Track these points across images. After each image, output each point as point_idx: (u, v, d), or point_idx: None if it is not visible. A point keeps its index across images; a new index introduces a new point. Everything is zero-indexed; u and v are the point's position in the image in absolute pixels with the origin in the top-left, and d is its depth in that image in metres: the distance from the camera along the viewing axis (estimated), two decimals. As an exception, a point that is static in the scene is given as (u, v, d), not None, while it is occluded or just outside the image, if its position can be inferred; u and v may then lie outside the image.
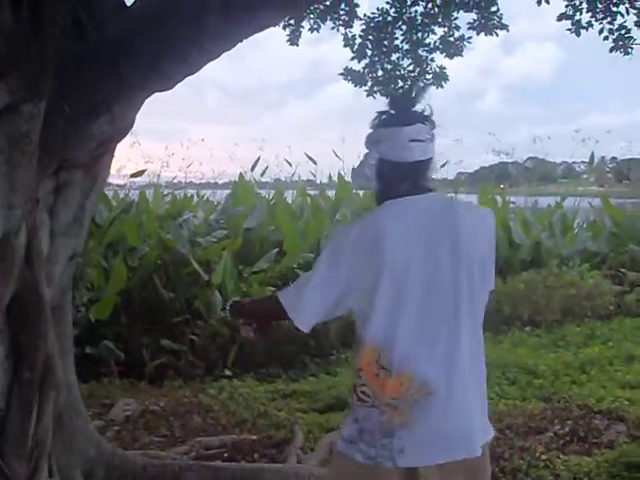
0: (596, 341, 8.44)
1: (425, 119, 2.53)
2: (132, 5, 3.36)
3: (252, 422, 5.88)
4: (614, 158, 27.32)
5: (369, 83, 6.88)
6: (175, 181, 13.79)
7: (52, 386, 3.51)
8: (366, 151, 2.61)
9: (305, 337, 7.99)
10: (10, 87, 2.93)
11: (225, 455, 5.14)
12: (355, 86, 6.87)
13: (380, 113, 2.58)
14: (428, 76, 6.83)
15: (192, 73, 3.17)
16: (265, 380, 7.35)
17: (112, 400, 6.49)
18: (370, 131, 2.59)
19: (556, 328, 9.06)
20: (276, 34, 6.64)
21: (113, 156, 3.85)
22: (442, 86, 6.79)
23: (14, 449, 3.30)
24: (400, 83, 6.86)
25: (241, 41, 2.99)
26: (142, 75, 3.13)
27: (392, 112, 2.56)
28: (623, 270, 11.15)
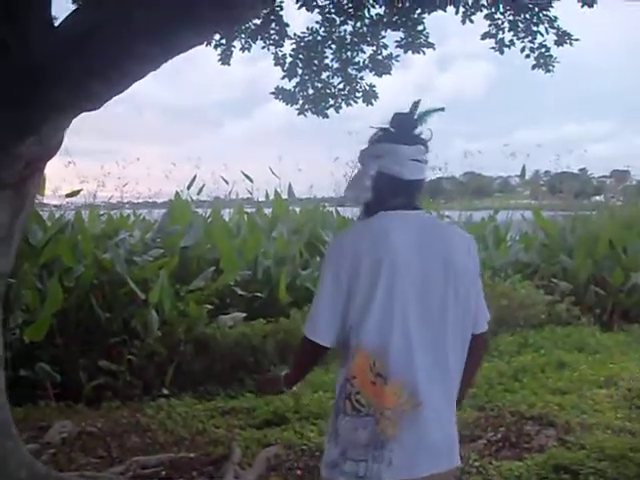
0: (529, 349, 8.69)
1: (424, 142, 2.64)
2: (59, 25, 3.39)
3: (190, 440, 5.88)
4: (547, 172, 27.95)
5: (300, 101, 7.01)
6: (112, 201, 13.67)
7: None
8: (360, 165, 2.67)
9: (243, 354, 8.03)
10: None
11: (163, 474, 5.14)
12: (286, 105, 6.99)
13: (381, 129, 2.66)
14: (358, 94, 7.00)
15: (119, 92, 3.22)
16: (203, 398, 7.34)
17: (48, 423, 6.39)
18: (370, 146, 2.66)
19: (490, 338, 9.25)
20: (213, 52, 6.72)
21: (43, 176, 3.87)
22: (372, 103, 6.96)
23: (-56, 472, 3.28)
24: (331, 101, 7.01)
25: (166, 61, 3.05)
26: (69, 95, 3.17)
27: (392, 130, 2.64)
28: (555, 280, 11.46)
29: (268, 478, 5.01)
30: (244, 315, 8.87)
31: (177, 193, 11.53)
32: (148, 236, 10.33)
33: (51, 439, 5.89)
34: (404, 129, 2.62)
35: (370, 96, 6.99)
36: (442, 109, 2.69)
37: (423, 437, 2.46)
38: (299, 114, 7.05)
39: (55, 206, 12.05)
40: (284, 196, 12.83)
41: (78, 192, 11.33)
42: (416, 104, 2.65)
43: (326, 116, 6.99)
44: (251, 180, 12.74)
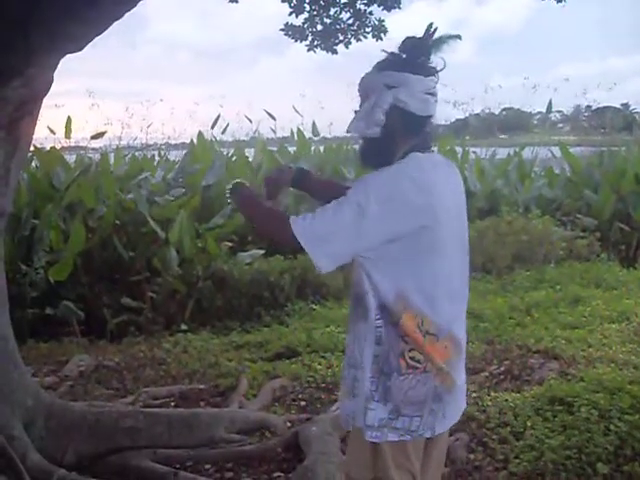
0: (544, 285, 8.67)
1: (437, 73, 2.41)
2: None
3: (202, 373, 6.07)
4: (589, 107, 27.43)
5: (309, 38, 6.97)
6: (138, 143, 13.84)
7: (-16, 339, 3.68)
8: (366, 94, 2.41)
9: (260, 290, 8.20)
10: None
11: (172, 404, 5.33)
12: (295, 41, 6.96)
13: (392, 54, 2.40)
14: (367, 29, 6.94)
15: (99, 33, 3.28)
16: (220, 333, 7.54)
17: (69, 357, 6.63)
18: (378, 73, 2.39)
19: (507, 274, 9.30)
20: None
21: (37, 117, 3.96)
22: (381, 38, 6.90)
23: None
24: (340, 37, 6.97)
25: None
26: (50, 38, 3.24)
27: (404, 56, 2.38)
28: (579, 216, 11.38)
29: (272, 408, 5.17)
30: (263, 252, 9.01)
31: (200, 132, 11.63)
32: (170, 176, 10.47)
33: (69, 372, 6.13)
34: (418, 57, 2.36)
35: (380, 31, 6.92)
36: (458, 36, 2.41)
37: (462, 385, 2.48)
38: (308, 50, 7.02)
39: (81, 148, 12.26)
40: (307, 134, 12.85)
41: (103, 134, 11.52)
42: (430, 29, 2.37)
43: (335, 52, 6.95)
44: (274, 118, 12.79)
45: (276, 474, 4.07)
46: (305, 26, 6.90)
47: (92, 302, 8.46)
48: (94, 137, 11.53)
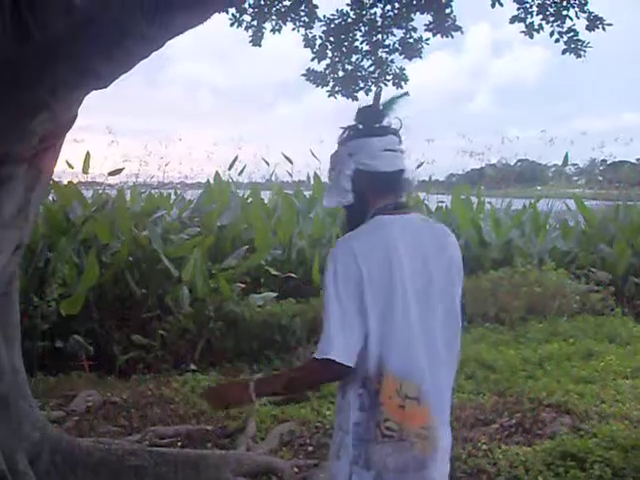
0: (558, 338, 8.61)
1: (395, 131, 2.51)
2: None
3: (209, 414, 6.02)
4: (604, 161, 27.43)
5: (331, 83, 7.06)
6: (154, 180, 13.94)
7: (-5, 371, 3.67)
8: (334, 169, 2.52)
9: (271, 333, 8.16)
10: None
11: (179, 444, 5.29)
12: (317, 86, 7.05)
13: (348, 127, 2.53)
14: (388, 77, 7.02)
15: (125, 72, 3.31)
16: (229, 374, 7.48)
17: (77, 392, 6.61)
18: (340, 146, 2.53)
19: (520, 325, 9.23)
20: (270, 35, 6.82)
21: (59, 151, 3.99)
22: (402, 86, 6.97)
23: (-45, 431, 3.45)
24: (361, 84, 7.05)
25: (169, 39, 3.15)
26: (77, 75, 3.27)
27: (360, 126, 2.51)
28: (593, 270, 11.31)
29: (279, 452, 5.11)
30: (275, 295, 8.99)
31: (217, 172, 11.71)
32: (185, 215, 10.51)
33: (76, 407, 6.11)
34: (371, 122, 2.50)
35: (400, 79, 7.00)
36: (406, 94, 2.55)
37: (447, 448, 2.46)
38: (329, 96, 7.10)
39: (98, 183, 12.34)
40: (323, 179, 12.89)
41: (120, 170, 11.58)
42: (378, 94, 2.57)
43: (356, 99, 7.02)
44: (291, 162, 12.86)
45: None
46: (327, 72, 7.00)
47: (102, 337, 8.43)
48: (112, 173, 11.60)
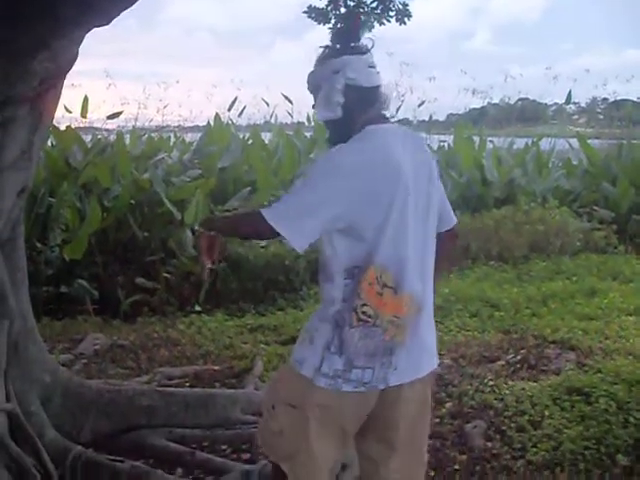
0: (561, 276, 8.62)
1: (369, 50, 2.64)
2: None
3: (217, 354, 6.06)
4: (605, 99, 27.12)
5: (332, 20, 6.92)
6: (153, 123, 13.80)
7: (5, 315, 3.67)
8: (315, 87, 2.64)
9: (275, 273, 8.17)
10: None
11: (187, 384, 5.31)
12: (318, 24, 6.91)
13: (326, 47, 2.65)
14: (391, 13, 6.88)
15: (126, 7, 3.24)
16: (234, 315, 7.51)
17: (83, 336, 6.63)
18: (320, 66, 2.63)
19: (523, 264, 9.24)
20: None
21: (60, 92, 3.92)
22: (405, 23, 6.82)
23: (-33, 374, 3.47)
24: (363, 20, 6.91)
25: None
26: (77, 11, 3.19)
27: (337, 46, 2.63)
28: (596, 208, 11.29)
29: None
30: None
31: (217, 115, 11.59)
32: (186, 157, 10.44)
33: (84, 350, 6.14)
34: (349, 42, 2.65)
35: (403, 15, 6.85)
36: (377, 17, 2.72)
37: (423, 340, 2.61)
38: (330, 33, 6.97)
39: (96, 128, 12.24)
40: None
41: (119, 114, 11.48)
42: (353, 15, 2.73)
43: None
44: (291, 102, 12.74)
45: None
46: (328, 9, 6.85)
47: (106, 281, 8.43)
48: (110, 117, 11.49)
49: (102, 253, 8.61)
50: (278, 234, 2.37)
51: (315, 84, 2.65)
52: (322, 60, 2.64)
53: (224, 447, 4.23)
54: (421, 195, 2.56)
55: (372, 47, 2.65)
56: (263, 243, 8.59)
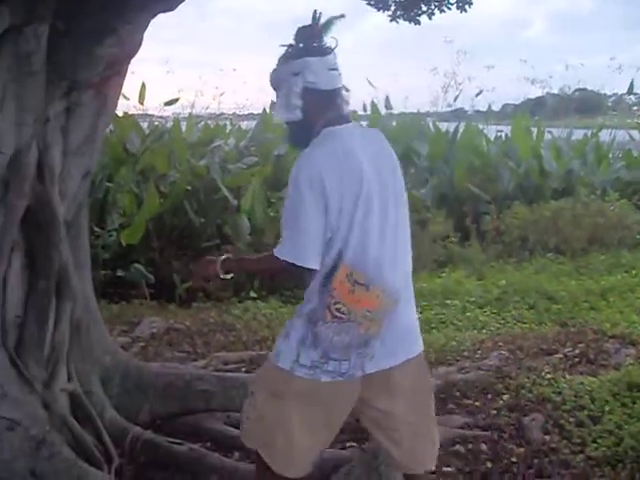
0: (620, 269, 8.47)
1: (333, 50, 2.65)
2: None
3: (272, 340, 6.06)
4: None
5: (392, 7, 6.85)
6: (210, 111, 13.90)
7: (68, 296, 3.71)
8: (277, 87, 2.68)
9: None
10: (13, 9, 3.06)
11: (243, 370, 5.34)
12: (378, 11, 6.85)
13: (289, 46, 2.67)
14: (452, 0, 6.78)
15: (193, -7, 3.26)
16: (289, 302, 7.53)
17: (140, 319, 6.72)
18: (282, 66, 2.66)
19: (581, 256, 9.09)
20: None
21: (124, 78, 3.97)
22: (465, 10, 6.72)
23: (32, 354, 3.52)
24: (423, 7, 6.82)
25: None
26: (144, -4, 3.22)
27: (300, 45, 2.64)
28: (656, 200, 11.04)
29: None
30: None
31: (272, 102, 11.59)
32: (242, 144, 10.49)
33: (141, 333, 6.22)
34: (312, 41, 2.63)
35: (464, 2, 6.75)
36: (342, 16, 2.71)
37: (400, 330, 2.69)
38: (391, 20, 6.85)
39: (155, 116, 12.38)
40: (381, 108, 12.72)
41: (176, 100, 11.62)
42: (315, 14, 2.63)
43: (418, 22, 6.77)
44: (347, 90, 12.67)
45: (349, 444, 4.05)
46: (388, -5, 6.78)
47: (162, 266, 8.53)
48: (168, 103, 11.64)
49: (158, 238, 8.71)
50: (298, 266, 2.51)
51: (275, 84, 2.69)
52: (283, 60, 2.66)
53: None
54: (387, 188, 2.62)
55: (336, 47, 2.65)
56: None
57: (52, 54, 3.30)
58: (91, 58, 3.48)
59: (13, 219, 3.37)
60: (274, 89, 2.72)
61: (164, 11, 3.40)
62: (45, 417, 3.47)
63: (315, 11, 2.64)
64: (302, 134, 2.68)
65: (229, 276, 2.77)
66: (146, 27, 3.62)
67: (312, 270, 2.54)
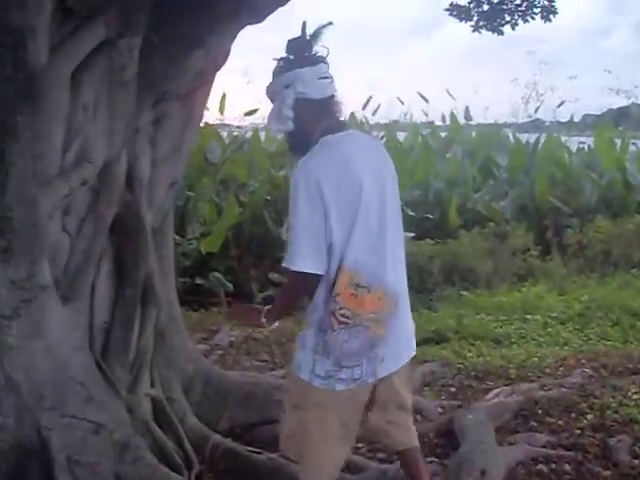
0: None
1: (324, 59, 2.73)
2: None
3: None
4: None
5: (475, 18, 6.78)
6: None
7: (153, 303, 3.78)
8: (272, 100, 2.76)
9: (408, 273, 8.09)
10: (107, 23, 3.14)
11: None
12: (460, 21, 6.79)
13: (280, 59, 2.74)
14: (536, 10, 6.67)
15: (281, 5, 3.29)
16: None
17: (218, 327, 6.79)
18: (275, 79, 2.73)
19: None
20: None
21: (211, 89, 4.03)
22: (550, 20, 6.61)
23: (117, 359, 3.59)
24: (507, 17, 6.73)
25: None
26: (234, 9, 3.27)
27: (291, 57, 2.71)
28: None
29: (422, 392, 5.10)
30: (412, 235, 8.92)
31: (352, 113, 11.67)
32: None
33: (220, 341, 6.28)
34: (302, 52, 2.71)
35: (549, 12, 6.63)
36: (330, 23, 2.78)
37: (401, 333, 2.79)
38: (474, 31, 6.81)
39: (233, 126, 12.54)
40: (460, 119, 12.62)
41: (255, 111, 11.74)
42: (304, 26, 2.75)
43: (501, 33, 6.70)
44: (426, 100, 12.64)
45: (429, 459, 3.99)
46: (471, 6, 6.72)
47: (240, 275, 8.62)
48: (248, 114, 11.78)
49: (237, 247, 8.80)
50: (312, 275, 2.58)
51: (270, 97, 2.79)
52: (276, 73, 2.74)
53: (360, 445, 4.21)
54: (385, 192, 2.70)
55: (327, 55, 2.73)
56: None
57: (142, 65, 3.37)
58: (180, 69, 3.54)
59: (102, 227, 3.45)
60: (270, 101, 2.81)
61: (252, 23, 3.43)
62: (129, 421, 3.53)
63: (304, 22, 2.83)
64: (300, 143, 2.75)
65: (275, 325, 2.91)
66: (234, 39, 3.67)
67: (317, 277, 2.60)
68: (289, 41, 2.75)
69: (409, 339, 2.88)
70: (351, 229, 2.58)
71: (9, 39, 2.71)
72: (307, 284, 2.65)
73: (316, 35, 2.69)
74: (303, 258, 2.57)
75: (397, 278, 2.73)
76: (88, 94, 3.22)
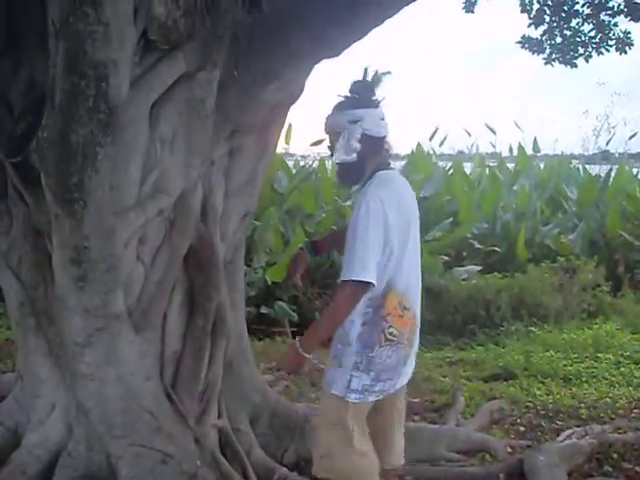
0: None
1: (380, 103, 3.09)
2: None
3: (416, 386, 5.98)
4: None
5: (547, 50, 6.70)
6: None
7: (223, 334, 3.79)
8: (335, 131, 3.05)
9: (476, 306, 8.01)
10: (187, 56, 3.19)
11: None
12: (532, 54, 6.73)
13: (346, 98, 3.06)
14: (611, 42, 6.57)
15: (358, 39, 3.28)
16: (433, 348, 7.43)
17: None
18: (340, 113, 3.03)
19: None
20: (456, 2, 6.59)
21: (284, 122, 4.05)
22: (625, 52, 6.51)
23: (187, 389, 3.61)
24: (580, 50, 6.64)
25: (407, 4, 3.14)
26: (310, 43, 3.28)
27: (357, 97, 3.03)
28: None
29: (490, 430, 4.99)
30: (479, 268, 8.82)
31: (419, 144, 11.63)
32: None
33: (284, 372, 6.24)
34: (367, 94, 3.05)
35: (624, 44, 6.52)
36: (389, 72, 3.09)
37: (415, 348, 3.19)
38: (546, 64, 6.75)
39: (298, 155, 12.64)
40: (528, 150, 12.46)
41: (322, 141, 11.79)
42: (366, 70, 2.90)
43: (575, 65, 6.63)
44: (494, 132, 12.53)
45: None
46: (543, 38, 6.65)
47: (304, 305, 8.61)
48: (314, 144, 11.83)
49: (302, 277, 8.76)
50: (370, 285, 2.82)
51: (333, 129, 3.08)
52: (341, 109, 3.05)
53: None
54: (416, 225, 3.12)
55: (383, 100, 3.07)
56: (464, 275, 8.46)
57: (218, 97, 3.41)
58: (256, 102, 3.57)
59: (176, 258, 3.48)
60: (327, 133, 3.15)
61: (329, 57, 3.43)
62: (197, 452, 3.54)
63: (365, 68, 3.05)
64: (354, 174, 3.10)
65: (315, 362, 3.03)
66: (310, 73, 3.68)
67: (369, 290, 2.84)
68: (354, 82, 3.07)
69: (415, 356, 3.24)
70: (401, 255, 2.92)
71: (92, 72, 2.75)
72: (361, 297, 2.85)
73: (377, 80, 2.92)
74: (367, 271, 2.80)
75: (419, 297, 3.13)
76: (166, 126, 3.26)
